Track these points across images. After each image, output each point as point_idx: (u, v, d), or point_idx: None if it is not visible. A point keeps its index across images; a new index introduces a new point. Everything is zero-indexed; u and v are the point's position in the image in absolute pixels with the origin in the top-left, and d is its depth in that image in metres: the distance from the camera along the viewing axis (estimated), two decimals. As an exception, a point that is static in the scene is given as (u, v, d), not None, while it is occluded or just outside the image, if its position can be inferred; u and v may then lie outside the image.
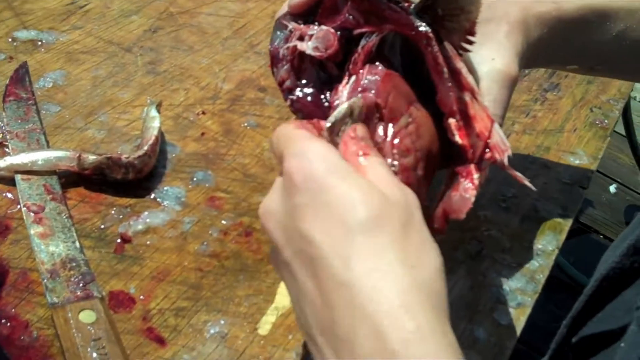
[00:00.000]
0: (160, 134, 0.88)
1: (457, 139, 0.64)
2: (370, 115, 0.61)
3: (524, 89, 1.09)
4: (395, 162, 0.60)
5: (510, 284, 0.79)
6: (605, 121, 1.06)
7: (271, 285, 0.75)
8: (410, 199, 0.54)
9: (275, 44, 0.70)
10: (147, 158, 0.82)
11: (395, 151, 0.61)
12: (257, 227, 0.80)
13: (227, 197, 0.83)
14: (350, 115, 0.59)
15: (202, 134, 0.90)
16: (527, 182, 0.66)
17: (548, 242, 0.85)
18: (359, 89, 0.63)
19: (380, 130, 0.61)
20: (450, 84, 0.63)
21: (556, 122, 1.04)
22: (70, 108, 0.90)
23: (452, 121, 0.65)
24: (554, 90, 1.11)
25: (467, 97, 0.65)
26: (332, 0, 0.67)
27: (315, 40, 0.67)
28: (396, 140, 0.61)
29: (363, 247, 0.50)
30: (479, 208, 0.88)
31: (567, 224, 0.88)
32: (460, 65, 0.65)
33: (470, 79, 0.66)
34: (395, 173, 0.60)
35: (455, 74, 0.64)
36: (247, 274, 0.76)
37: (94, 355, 0.63)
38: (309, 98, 0.69)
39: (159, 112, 0.89)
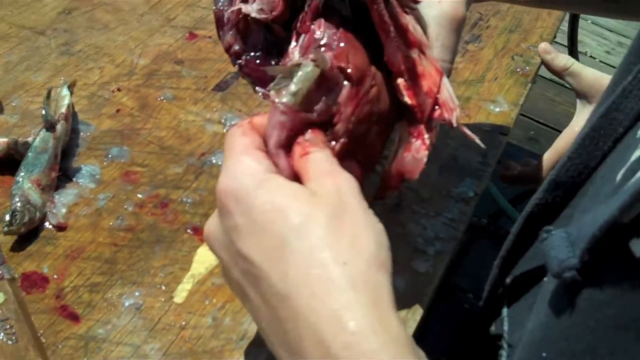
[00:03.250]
0: (73, 113, 0.87)
1: (406, 99, 0.64)
2: (332, 77, 0.59)
3: (445, 42, 1.09)
4: (342, 132, 0.59)
5: (429, 233, 0.80)
6: (527, 68, 1.06)
7: (187, 254, 0.75)
8: (343, 185, 0.54)
9: (219, 5, 0.68)
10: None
11: (353, 118, 0.60)
12: (174, 198, 0.80)
13: (143, 170, 0.83)
14: (313, 80, 0.57)
15: (118, 110, 0.90)
16: (477, 140, 0.65)
17: (468, 189, 0.85)
18: (313, 47, 0.61)
19: (345, 91, 0.59)
20: (397, 42, 0.62)
21: (477, 72, 1.04)
22: (-19, 95, 0.90)
23: (400, 81, 0.64)
24: (475, 41, 1.11)
25: (415, 54, 0.63)
26: None
27: (260, 1, 0.65)
28: (358, 108, 0.60)
29: (296, 255, 0.49)
30: (398, 162, 0.88)
31: (487, 170, 0.89)
32: (406, 20, 0.64)
33: (418, 32, 0.65)
34: (348, 144, 0.59)
35: (402, 30, 0.63)
36: (163, 245, 0.76)
37: (1, 335, 0.63)
38: (257, 61, 0.68)
39: (70, 91, 0.89)
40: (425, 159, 0.64)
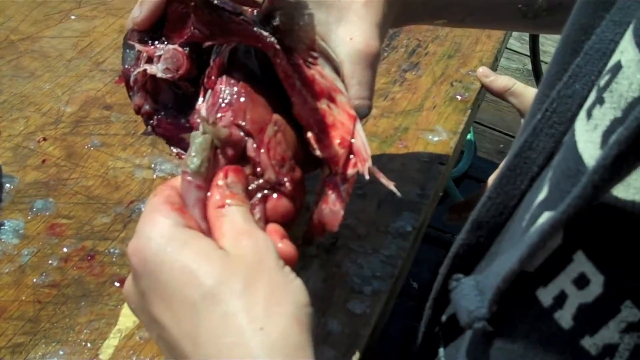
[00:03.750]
0: (-4, 166, 0.84)
1: (318, 152, 0.63)
2: (235, 135, 0.59)
3: (382, 72, 1.07)
4: (274, 176, 0.60)
5: (366, 271, 0.78)
6: (466, 94, 1.05)
7: (114, 308, 0.72)
8: (260, 244, 0.52)
9: (126, 65, 0.67)
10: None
11: (273, 162, 0.60)
12: (101, 250, 0.78)
13: (69, 222, 0.80)
14: (210, 146, 0.57)
15: (43, 161, 0.87)
16: (392, 187, 0.64)
17: (405, 223, 0.83)
18: (219, 104, 0.61)
19: (250, 145, 0.60)
20: (304, 95, 0.62)
21: (415, 101, 1.03)
22: None
23: (310, 135, 0.63)
24: (413, 69, 1.09)
25: (324, 104, 0.63)
26: (176, 14, 0.64)
27: (164, 61, 0.64)
28: (271, 152, 0.60)
29: (209, 322, 0.48)
30: (334, 198, 0.86)
31: (425, 202, 0.87)
32: (312, 71, 0.63)
33: (328, 79, 0.64)
34: (283, 185, 0.60)
35: (307, 82, 0.62)
36: (89, 299, 0.73)
37: None
38: (168, 120, 0.67)
39: (-7, 144, 0.86)
40: (342, 212, 0.63)
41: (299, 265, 0.76)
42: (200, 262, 0.49)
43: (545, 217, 0.43)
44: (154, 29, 0.65)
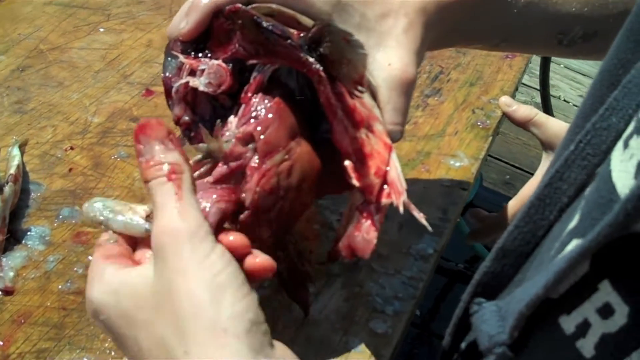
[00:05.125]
0: (24, 173, 0.85)
1: (354, 182, 0.64)
2: (237, 151, 0.61)
3: (405, 96, 1.08)
4: (249, 202, 0.60)
5: (388, 292, 0.78)
6: (487, 121, 1.06)
7: (138, 317, 0.73)
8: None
9: (167, 73, 0.67)
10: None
11: (258, 189, 0.60)
12: (126, 259, 0.78)
13: (95, 231, 0.81)
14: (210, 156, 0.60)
15: (70, 169, 0.88)
16: (424, 221, 0.64)
17: (427, 246, 0.84)
18: (247, 117, 0.62)
19: (252, 163, 0.60)
20: (344, 124, 0.63)
21: (437, 126, 1.04)
22: None
23: (348, 164, 0.64)
24: (435, 95, 1.10)
25: (363, 133, 0.64)
26: (221, 28, 0.65)
27: (207, 76, 0.65)
28: (263, 180, 0.60)
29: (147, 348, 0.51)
30: (357, 219, 0.86)
31: (447, 226, 0.87)
32: (354, 100, 0.64)
33: (367, 106, 0.65)
34: (253, 214, 0.60)
35: (348, 111, 0.63)
36: (114, 308, 0.73)
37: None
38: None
39: (21, 151, 0.87)
40: (375, 240, 0.65)
41: (321, 282, 0.77)
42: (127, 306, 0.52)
43: (574, 244, 0.43)
44: (198, 41, 0.66)
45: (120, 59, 1.08)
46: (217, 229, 0.55)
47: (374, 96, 0.66)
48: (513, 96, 1.14)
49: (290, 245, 0.68)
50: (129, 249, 0.58)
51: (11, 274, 0.75)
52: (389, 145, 0.65)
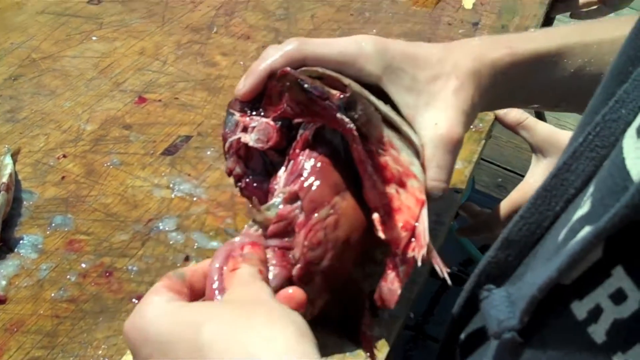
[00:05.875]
0: (16, 181, 0.85)
1: (380, 234, 0.66)
2: (293, 202, 0.65)
3: (398, 100, 1.08)
4: (298, 255, 0.64)
5: (382, 296, 0.78)
6: (481, 125, 1.06)
7: (132, 324, 0.72)
8: (256, 286, 0.56)
9: (226, 129, 0.73)
10: (-3, 207, 0.79)
11: (306, 243, 0.64)
12: (119, 266, 0.78)
13: (88, 239, 0.81)
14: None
15: (63, 177, 0.88)
16: (445, 275, 0.66)
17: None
18: (295, 174, 0.67)
19: (299, 219, 0.64)
20: (374, 179, 0.65)
21: (431, 130, 1.03)
22: None
23: (375, 217, 0.66)
24: (429, 99, 1.10)
25: (393, 189, 0.66)
26: (274, 90, 0.70)
27: (257, 132, 0.71)
28: (310, 234, 0.64)
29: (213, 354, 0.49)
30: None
31: (441, 229, 0.87)
32: (386, 157, 0.66)
33: (402, 163, 0.67)
34: (305, 268, 0.64)
35: (379, 168, 0.66)
36: (107, 315, 0.73)
37: None
38: (254, 184, 0.73)
39: (14, 160, 0.87)
40: (399, 291, 0.67)
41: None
42: (195, 313, 0.52)
43: (587, 230, 0.43)
44: (254, 100, 0.71)
45: (113, 66, 1.08)
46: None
47: (419, 155, 0.69)
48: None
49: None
50: None
51: (3, 282, 0.75)
52: (422, 201, 0.67)
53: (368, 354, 0.71)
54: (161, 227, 0.83)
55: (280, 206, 0.65)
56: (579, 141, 0.48)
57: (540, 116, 2.26)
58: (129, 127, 0.97)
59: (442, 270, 0.66)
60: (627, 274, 0.40)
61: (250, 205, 0.65)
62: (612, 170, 0.43)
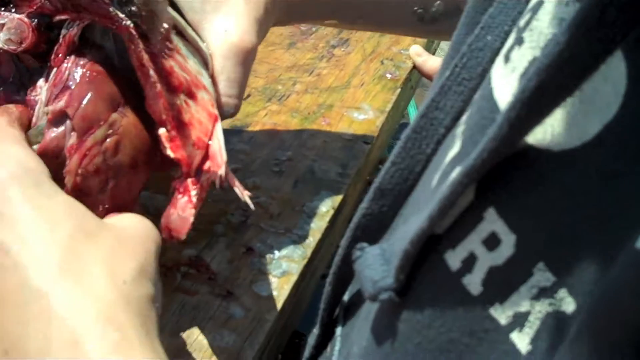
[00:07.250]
0: None
1: (169, 152, 0.56)
2: (60, 123, 0.54)
3: (309, 46, 1.02)
4: (70, 184, 0.53)
5: (275, 252, 0.72)
6: (397, 73, 1.00)
7: None
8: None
9: None
10: None
11: (80, 171, 0.53)
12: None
13: None
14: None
15: None
16: (247, 199, 0.58)
17: (322, 204, 0.77)
18: (60, 86, 0.55)
19: (70, 142, 0.53)
20: (158, 88, 0.55)
21: (342, 78, 0.97)
22: None
23: (162, 132, 0.56)
24: (342, 46, 1.04)
25: (182, 99, 0.57)
26: None
27: (7, 31, 0.57)
28: (85, 160, 0.53)
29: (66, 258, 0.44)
30: (248, 174, 0.80)
31: (346, 182, 0.81)
32: (171, 63, 0.57)
33: (190, 72, 0.58)
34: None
35: (164, 74, 0.56)
36: None
37: None
38: (5, 97, 0.59)
39: None
40: (192, 218, 0.56)
41: (202, 244, 0.70)
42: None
43: (458, 171, 0.38)
44: None
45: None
46: None
47: (207, 66, 0.62)
48: (429, 48, 1.08)
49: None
50: None
51: None
52: (214, 115, 0.59)
53: None
54: None
55: (45, 132, 0.53)
56: (445, 75, 0.43)
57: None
58: None
59: (242, 194, 0.58)
60: (500, 216, 0.36)
61: (43, 96, 0.55)
62: (481, 103, 0.39)
